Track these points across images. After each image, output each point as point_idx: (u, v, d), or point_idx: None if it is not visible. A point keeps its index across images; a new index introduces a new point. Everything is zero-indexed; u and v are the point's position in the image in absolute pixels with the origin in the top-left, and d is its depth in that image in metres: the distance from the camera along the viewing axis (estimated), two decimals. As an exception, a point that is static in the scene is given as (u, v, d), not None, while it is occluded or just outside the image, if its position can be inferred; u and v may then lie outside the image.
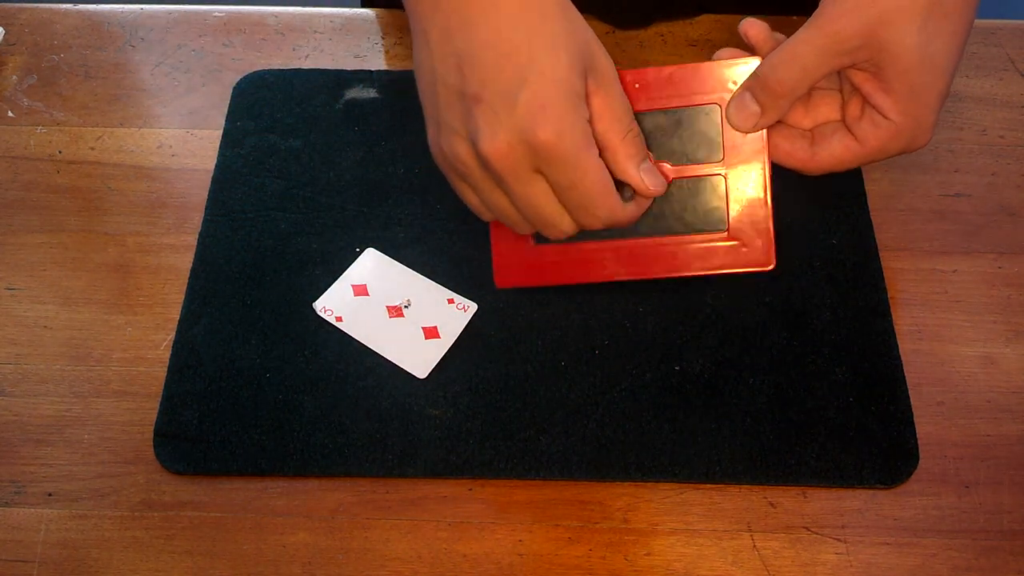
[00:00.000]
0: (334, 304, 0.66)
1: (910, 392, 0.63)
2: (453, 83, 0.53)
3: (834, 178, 0.71)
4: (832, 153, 0.59)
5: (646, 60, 0.79)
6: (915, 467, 0.61)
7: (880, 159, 0.58)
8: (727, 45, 0.79)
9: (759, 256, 0.62)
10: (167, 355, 0.65)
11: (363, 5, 0.85)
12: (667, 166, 0.60)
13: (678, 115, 0.59)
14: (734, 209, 0.61)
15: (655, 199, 0.59)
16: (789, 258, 0.68)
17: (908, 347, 0.65)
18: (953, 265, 0.69)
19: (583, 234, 0.59)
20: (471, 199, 0.58)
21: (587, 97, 0.53)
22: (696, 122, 0.59)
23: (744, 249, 0.62)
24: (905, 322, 0.66)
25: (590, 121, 0.54)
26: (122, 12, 0.83)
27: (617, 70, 0.56)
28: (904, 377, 0.64)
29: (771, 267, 0.62)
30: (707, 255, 0.62)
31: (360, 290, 0.66)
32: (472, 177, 0.56)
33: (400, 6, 0.83)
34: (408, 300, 0.66)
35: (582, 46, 0.52)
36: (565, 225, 0.56)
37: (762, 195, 0.61)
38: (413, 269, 0.68)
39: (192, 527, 0.60)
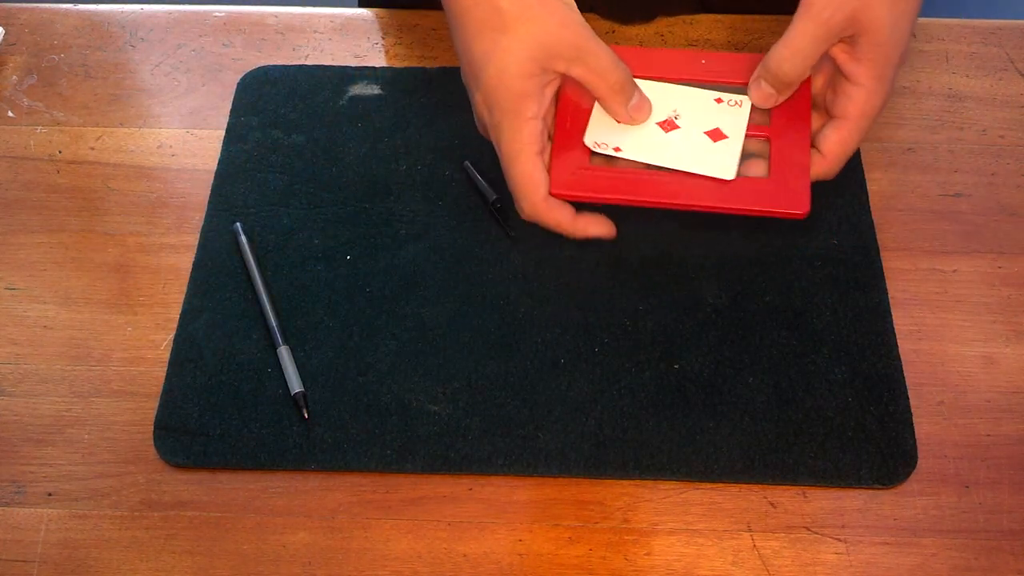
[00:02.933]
0: (605, 137, 0.64)
1: (910, 392, 0.63)
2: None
3: (835, 178, 0.72)
4: (831, 141, 0.64)
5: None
6: (914, 467, 0.61)
7: (867, 124, 0.64)
8: (726, 44, 0.79)
9: (796, 200, 0.63)
10: (167, 355, 0.66)
11: (361, 5, 0.85)
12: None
13: (739, 89, 0.67)
14: (776, 159, 0.64)
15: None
16: (789, 258, 0.68)
17: (908, 347, 0.65)
18: (953, 265, 0.69)
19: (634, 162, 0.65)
20: None
21: (565, 73, 0.61)
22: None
23: (783, 193, 0.63)
24: (905, 322, 0.66)
25: (573, 84, 0.62)
26: (122, 12, 0.83)
27: (693, 51, 0.71)
28: (904, 377, 0.64)
29: (805, 213, 0.63)
30: (749, 193, 0.64)
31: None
32: None
33: (399, 6, 0.83)
34: (675, 110, 0.65)
35: (543, 47, 0.60)
36: (517, 205, 0.64)
37: (802, 151, 0.65)
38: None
39: (192, 527, 0.60)
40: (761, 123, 0.66)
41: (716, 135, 0.65)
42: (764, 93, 0.65)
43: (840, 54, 0.62)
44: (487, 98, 0.61)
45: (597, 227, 0.65)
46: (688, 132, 0.65)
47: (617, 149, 0.64)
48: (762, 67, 0.64)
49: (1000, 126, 0.76)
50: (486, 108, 0.62)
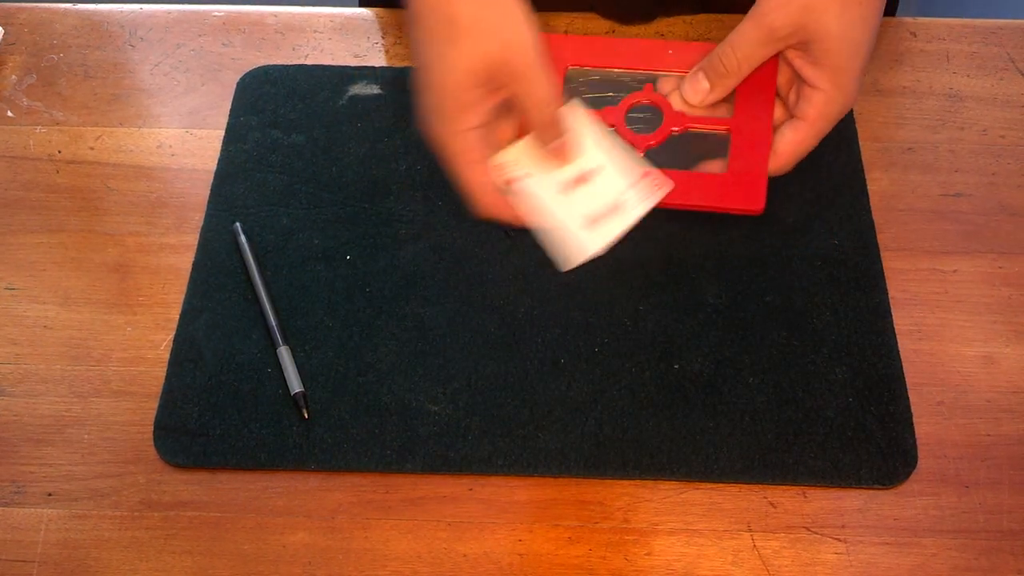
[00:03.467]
0: (519, 160, 0.63)
1: (910, 392, 0.63)
2: None
3: (835, 178, 0.72)
4: (786, 140, 0.64)
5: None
6: (914, 467, 0.61)
7: (825, 127, 0.64)
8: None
9: (752, 197, 0.63)
10: (167, 355, 0.65)
11: (361, 5, 0.85)
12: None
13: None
14: (736, 156, 0.64)
15: (672, 140, 0.66)
16: (789, 258, 0.68)
17: (908, 347, 0.65)
18: (953, 265, 0.69)
19: None
20: None
21: (502, 90, 0.60)
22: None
23: (739, 189, 0.63)
24: (905, 322, 0.66)
25: (512, 104, 0.61)
26: (122, 12, 0.83)
27: (645, 40, 0.69)
28: (904, 377, 0.64)
29: (760, 210, 0.63)
30: (706, 190, 0.64)
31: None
32: None
33: (399, 6, 0.83)
34: (599, 166, 0.64)
35: (485, 65, 0.59)
36: (467, 202, 0.63)
37: (762, 148, 0.64)
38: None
39: (192, 527, 0.60)
40: (724, 116, 0.66)
41: (613, 209, 0.63)
42: (699, 88, 0.65)
43: (796, 59, 0.63)
44: (429, 105, 0.61)
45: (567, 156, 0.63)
46: (590, 195, 0.63)
47: (511, 181, 0.62)
48: (705, 61, 0.65)
49: (1000, 126, 0.76)
50: (429, 115, 0.62)
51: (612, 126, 0.65)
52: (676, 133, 0.65)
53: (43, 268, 0.70)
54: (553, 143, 0.62)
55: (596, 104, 0.66)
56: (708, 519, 0.60)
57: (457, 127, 0.60)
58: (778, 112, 0.66)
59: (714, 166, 0.65)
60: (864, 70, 0.64)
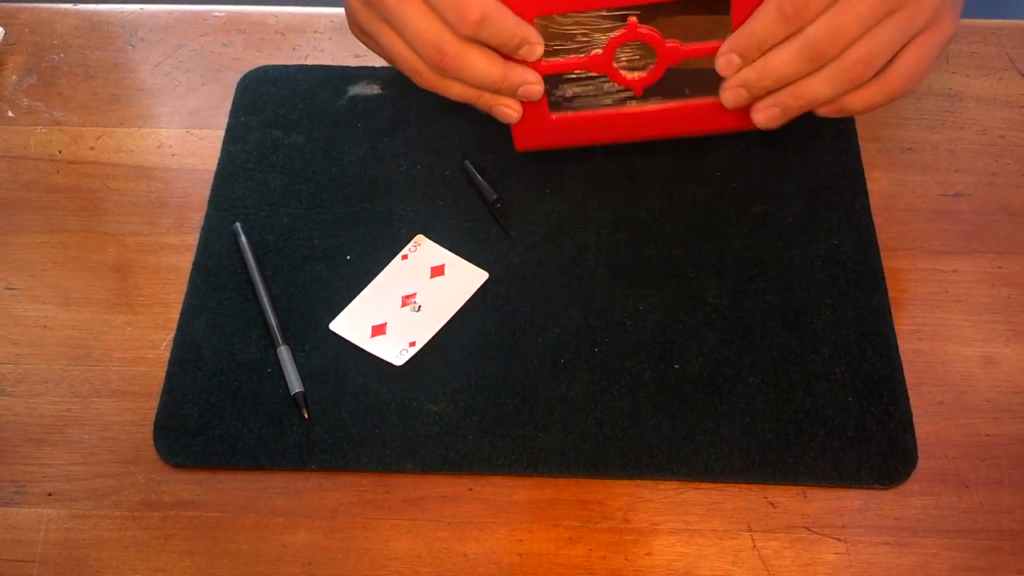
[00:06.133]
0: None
1: (910, 392, 0.63)
2: None
3: (835, 178, 0.72)
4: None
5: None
6: (914, 467, 0.61)
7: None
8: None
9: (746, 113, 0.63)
10: (167, 355, 0.66)
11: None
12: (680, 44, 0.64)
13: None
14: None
15: (670, 72, 0.64)
16: (789, 258, 0.68)
17: (908, 347, 0.65)
18: (953, 265, 0.69)
19: (594, 102, 0.66)
20: (377, 52, 0.66)
21: None
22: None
23: (737, 113, 0.63)
24: (905, 322, 0.66)
25: None
26: (122, 12, 0.83)
27: None
28: (904, 377, 0.64)
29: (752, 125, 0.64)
30: (703, 116, 0.64)
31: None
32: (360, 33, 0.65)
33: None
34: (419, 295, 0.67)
35: None
36: (422, 69, 0.61)
37: None
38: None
39: (192, 527, 0.60)
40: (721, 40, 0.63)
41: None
42: (728, 60, 0.61)
43: None
44: None
45: (529, 75, 0.62)
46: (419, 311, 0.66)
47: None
48: (732, 38, 0.61)
49: (1000, 126, 0.76)
50: None
51: (602, 73, 0.65)
52: (675, 67, 0.64)
53: (43, 268, 0.70)
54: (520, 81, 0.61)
55: (578, 52, 0.64)
56: (708, 519, 0.60)
57: None
58: None
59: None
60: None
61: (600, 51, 0.64)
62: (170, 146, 0.76)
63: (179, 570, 0.59)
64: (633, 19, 0.62)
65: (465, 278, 0.67)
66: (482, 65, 0.61)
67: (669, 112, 0.66)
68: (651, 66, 0.64)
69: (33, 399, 0.65)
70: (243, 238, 0.69)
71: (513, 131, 0.67)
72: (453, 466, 0.61)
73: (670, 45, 0.63)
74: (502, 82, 0.62)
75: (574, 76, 0.67)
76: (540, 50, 0.61)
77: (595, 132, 0.68)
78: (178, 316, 0.67)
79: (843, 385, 0.63)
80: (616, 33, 0.63)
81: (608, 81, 0.66)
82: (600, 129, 0.68)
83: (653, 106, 0.67)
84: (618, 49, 0.64)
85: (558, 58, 0.64)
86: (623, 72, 0.65)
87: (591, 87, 0.67)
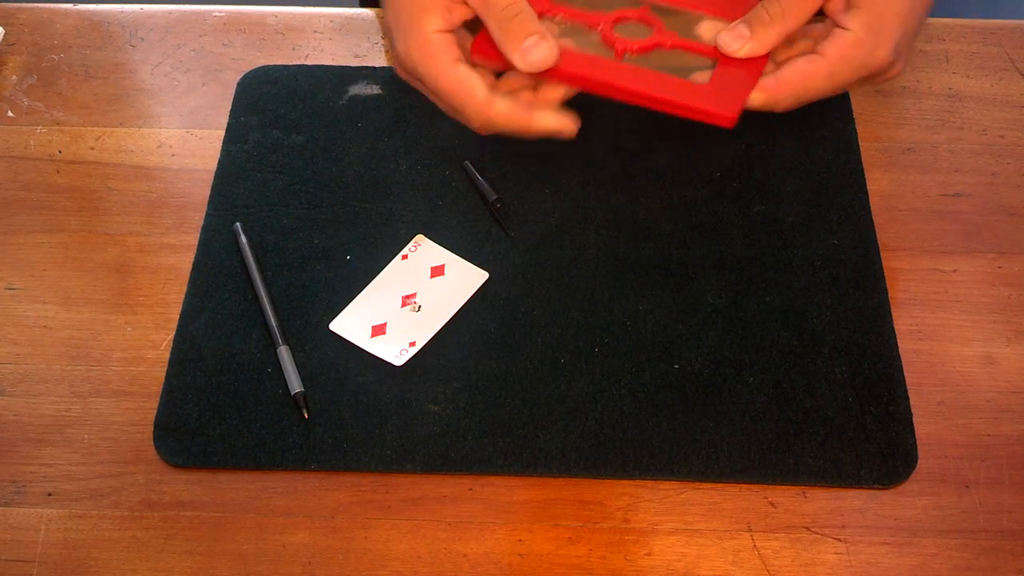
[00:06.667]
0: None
1: (910, 392, 0.63)
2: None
3: (835, 178, 0.72)
4: (795, 69, 0.62)
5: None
6: (914, 467, 0.61)
7: (843, 70, 0.61)
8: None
9: (725, 105, 0.62)
10: (167, 355, 0.66)
11: (361, 5, 0.85)
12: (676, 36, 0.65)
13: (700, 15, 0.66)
14: (721, 71, 0.63)
15: (657, 54, 0.64)
16: (789, 258, 0.68)
17: (908, 347, 0.65)
18: (953, 265, 0.69)
19: (598, 48, 0.64)
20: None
21: (463, 6, 0.60)
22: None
23: (715, 97, 0.62)
24: (905, 322, 0.66)
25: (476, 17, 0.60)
26: (122, 12, 0.83)
27: None
28: (904, 377, 0.64)
29: (732, 121, 0.62)
30: (681, 89, 0.63)
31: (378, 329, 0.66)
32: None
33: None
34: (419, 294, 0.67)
35: None
36: (466, 122, 0.62)
37: (751, 70, 0.63)
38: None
39: (192, 527, 0.60)
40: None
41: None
42: (737, 33, 0.62)
43: (835, 9, 0.62)
44: (392, 21, 0.60)
45: (555, 120, 0.62)
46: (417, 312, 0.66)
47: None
48: (749, 12, 0.63)
49: (1000, 126, 0.76)
50: (394, 31, 0.60)
51: (596, 27, 0.65)
52: (664, 50, 0.64)
53: (43, 268, 0.70)
54: (526, 42, 0.60)
55: (588, 6, 0.65)
56: (708, 519, 0.60)
57: (424, 31, 0.59)
58: (806, 46, 0.64)
59: (701, 76, 0.63)
60: (906, 30, 0.61)
61: (604, 12, 0.65)
62: (170, 146, 0.76)
63: (179, 570, 0.59)
64: (646, 7, 0.65)
65: (465, 278, 0.67)
66: (505, 121, 0.62)
67: (641, 74, 0.64)
68: (642, 40, 0.65)
69: (33, 399, 0.65)
70: (243, 238, 0.69)
71: (476, 39, 0.64)
72: (453, 466, 0.61)
73: (669, 31, 0.64)
74: (529, 127, 0.62)
75: (568, 26, 0.66)
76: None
77: (560, 68, 0.64)
78: (178, 316, 0.67)
79: (843, 385, 0.63)
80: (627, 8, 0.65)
81: (596, 41, 0.65)
82: (566, 66, 0.63)
83: (626, 64, 0.64)
84: (619, 21, 0.65)
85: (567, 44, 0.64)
86: (615, 33, 0.65)
87: (580, 40, 0.66)
